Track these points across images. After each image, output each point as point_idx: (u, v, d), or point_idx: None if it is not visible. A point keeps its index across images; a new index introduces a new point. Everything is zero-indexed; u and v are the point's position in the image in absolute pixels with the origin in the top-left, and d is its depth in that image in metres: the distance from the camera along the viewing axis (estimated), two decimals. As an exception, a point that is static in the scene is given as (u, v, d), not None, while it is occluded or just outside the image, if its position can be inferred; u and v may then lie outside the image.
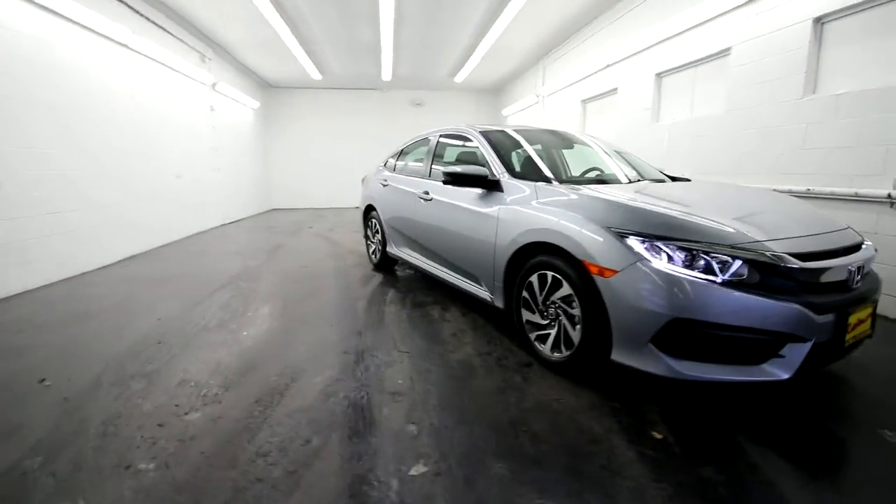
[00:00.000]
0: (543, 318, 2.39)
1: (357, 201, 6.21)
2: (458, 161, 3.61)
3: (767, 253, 1.82)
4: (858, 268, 1.98)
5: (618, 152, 3.48)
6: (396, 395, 2.15)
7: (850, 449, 1.78)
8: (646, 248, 1.89)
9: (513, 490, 1.50)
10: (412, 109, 12.60)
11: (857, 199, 3.24)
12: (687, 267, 1.82)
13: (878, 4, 3.18)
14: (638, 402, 2.06)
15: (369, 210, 4.86)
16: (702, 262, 1.82)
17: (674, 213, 2.02)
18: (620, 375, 2.27)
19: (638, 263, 1.87)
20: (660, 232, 1.92)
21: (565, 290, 2.19)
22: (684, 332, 1.80)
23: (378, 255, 4.66)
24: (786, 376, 1.79)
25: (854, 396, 2.19)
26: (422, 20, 6.99)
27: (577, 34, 7.54)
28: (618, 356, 1.97)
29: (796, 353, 1.80)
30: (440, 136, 3.81)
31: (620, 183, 2.87)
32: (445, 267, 3.38)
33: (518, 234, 2.46)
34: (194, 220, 7.53)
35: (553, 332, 2.32)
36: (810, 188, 3.57)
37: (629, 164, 3.32)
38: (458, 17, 6.88)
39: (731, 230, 1.92)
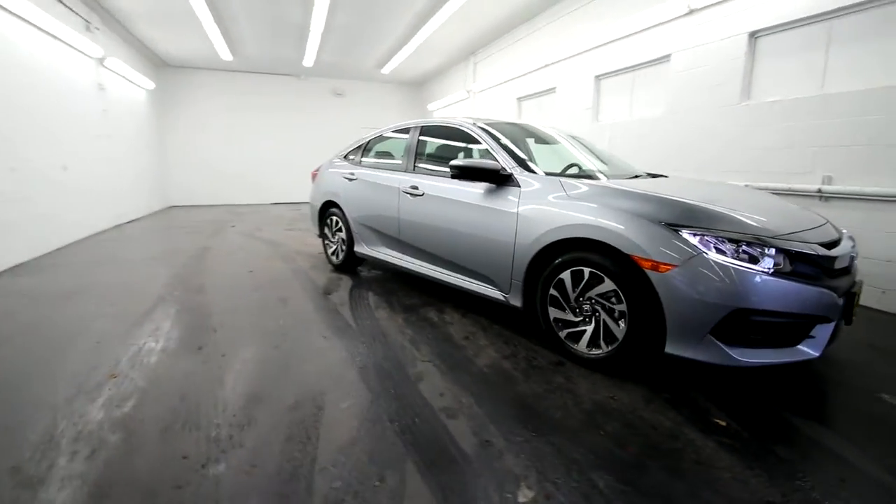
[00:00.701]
0: (576, 315, 2.35)
1: (295, 196, 5.66)
2: (439, 155, 3.46)
3: (804, 243, 1.98)
4: (852, 256, 2.26)
5: (588, 147, 3.56)
6: (447, 410, 1.94)
7: (864, 411, 2.01)
8: (700, 242, 1.94)
9: (640, 502, 1.42)
10: (333, 99, 11.90)
11: (792, 193, 3.74)
12: (738, 258, 1.90)
13: (804, 24, 3.69)
14: (683, 391, 2.12)
15: (327, 207, 4.43)
16: (751, 254, 1.91)
17: (717, 207, 2.11)
18: (654, 366, 2.32)
19: (697, 257, 1.91)
20: (709, 225, 1.99)
21: (606, 285, 2.17)
22: (739, 320, 1.88)
23: (341, 256, 4.27)
24: (816, 354, 1.97)
25: (844, 369, 2.50)
26: (360, 4, 6.57)
27: (511, 33, 7.70)
28: (673, 349, 1.99)
29: (823, 332, 1.99)
30: (422, 128, 3.58)
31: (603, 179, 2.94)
32: (442, 267, 3.19)
33: (546, 231, 2.38)
34: (86, 219, 6.25)
35: (589, 328, 2.29)
36: (749, 183, 4.05)
37: (602, 159, 3.40)
38: (399, 5, 6.60)
39: (768, 222, 2.06)
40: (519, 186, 2.63)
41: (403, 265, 3.52)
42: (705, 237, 1.95)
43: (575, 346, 2.36)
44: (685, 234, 1.97)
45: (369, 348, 2.58)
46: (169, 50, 8.91)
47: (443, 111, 11.17)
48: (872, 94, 3.24)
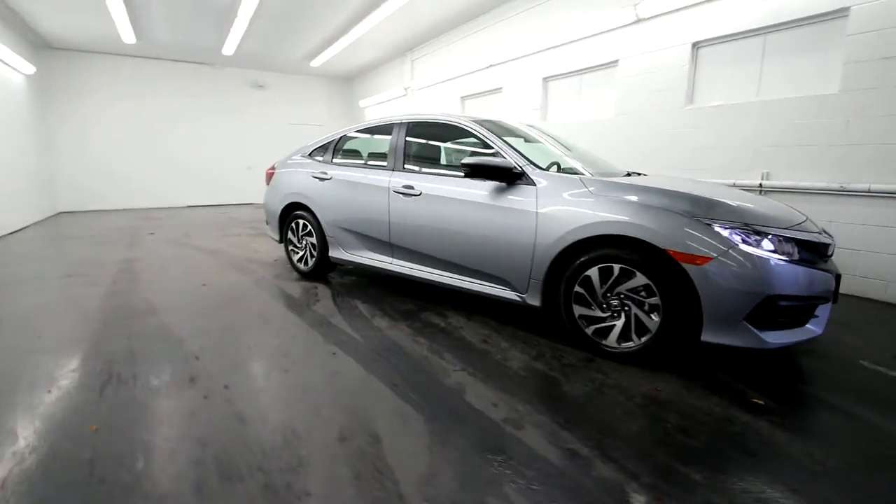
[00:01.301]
0: (603, 311, 2.38)
1: (216, 197, 5.08)
2: (433, 153, 3.32)
3: (808, 232, 2.20)
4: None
5: (567, 146, 3.63)
6: (510, 422, 1.83)
7: (856, 376, 2.29)
8: (731, 235, 2.06)
9: (748, 490, 1.45)
10: (253, 92, 10.96)
11: (737, 188, 4.19)
12: (764, 248, 2.06)
13: (742, 37, 4.14)
14: (711, 375, 2.24)
15: (290, 210, 4.03)
16: (773, 243, 2.08)
17: (738, 202, 2.26)
18: (677, 354, 2.43)
19: (731, 249, 2.03)
20: (736, 218, 2.12)
21: (638, 280, 2.22)
22: (769, 306, 2.04)
23: (311, 262, 3.91)
24: (820, 332, 2.20)
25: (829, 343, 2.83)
26: (299, -10, 6.10)
27: (453, 32, 7.69)
28: (710, 336, 2.10)
29: (824, 312, 2.23)
30: (409, 124, 3.38)
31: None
32: (443, 269, 3.05)
33: (573, 229, 2.37)
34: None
35: (618, 323, 2.34)
36: (696, 179, 4.46)
37: (585, 158, 3.50)
38: (342, -7, 6.24)
39: (778, 215, 2.25)
40: (534, 185, 2.60)
41: (393, 269, 3.32)
42: (734, 230, 2.08)
43: (604, 342, 2.39)
44: (717, 227, 2.08)
45: (389, 362, 2.38)
46: (54, 28, 7.51)
47: (376, 109, 10.84)
48: (803, 101, 3.74)
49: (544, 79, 6.17)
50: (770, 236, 2.09)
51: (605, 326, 2.39)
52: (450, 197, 2.92)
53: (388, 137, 3.46)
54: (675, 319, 2.16)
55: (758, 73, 4.07)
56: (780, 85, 3.92)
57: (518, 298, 2.70)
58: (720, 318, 2.07)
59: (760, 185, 4.02)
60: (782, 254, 2.08)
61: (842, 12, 3.46)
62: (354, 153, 3.80)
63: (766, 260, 2.02)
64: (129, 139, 9.72)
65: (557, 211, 2.46)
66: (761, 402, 2.01)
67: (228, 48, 8.59)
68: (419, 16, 7.12)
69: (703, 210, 2.16)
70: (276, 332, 2.77)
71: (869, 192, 3.42)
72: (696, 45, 4.45)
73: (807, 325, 2.19)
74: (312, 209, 3.78)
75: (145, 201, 10.04)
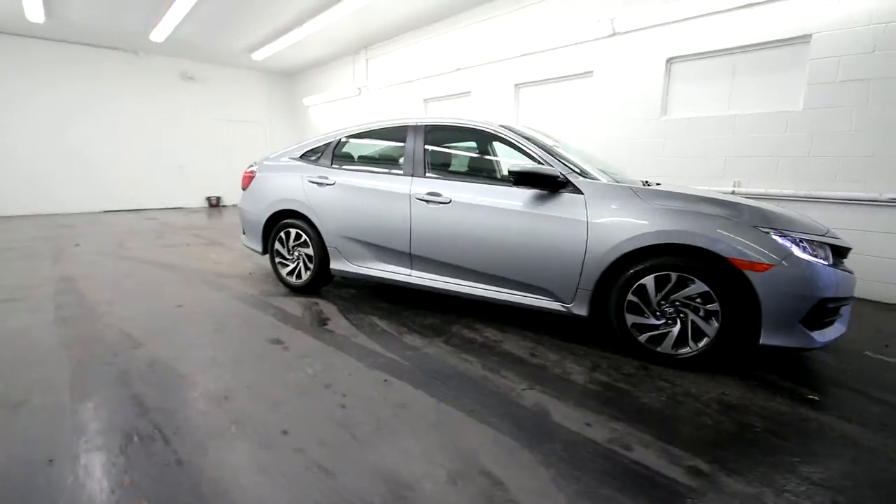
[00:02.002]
0: (657, 318, 2.41)
1: (141, 200, 4.51)
2: (458, 159, 3.17)
3: (837, 238, 2.39)
4: None
5: (581, 153, 3.67)
6: (615, 442, 1.77)
7: (867, 364, 2.53)
8: (786, 242, 2.18)
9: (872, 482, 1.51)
10: (182, 85, 9.87)
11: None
12: (813, 255, 2.20)
13: (713, 56, 4.49)
14: (758, 376, 2.36)
15: (279, 218, 3.63)
16: (818, 250, 2.23)
17: (783, 212, 2.40)
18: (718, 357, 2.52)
19: (789, 256, 2.14)
20: (787, 227, 2.24)
21: (696, 287, 2.27)
22: (820, 308, 2.18)
23: (306, 275, 3.55)
24: (845, 329, 2.41)
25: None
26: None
27: (416, 32, 7.53)
28: (768, 339, 2.19)
29: (846, 311, 2.45)
30: (427, 127, 3.19)
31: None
32: (474, 281, 2.90)
33: (629, 238, 2.37)
34: None
35: (674, 330, 2.38)
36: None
37: (606, 166, 3.57)
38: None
39: (811, 222, 2.43)
40: (581, 193, 2.57)
41: (412, 282, 3.11)
42: (787, 238, 2.20)
43: (658, 348, 2.42)
44: (774, 236, 2.19)
45: (449, 385, 2.19)
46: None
47: (324, 108, 10.31)
48: (771, 116, 4.13)
49: (516, 85, 6.24)
50: (814, 242, 2.24)
51: (660, 334, 2.42)
52: (486, 205, 2.79)
53: (400, 141, 3.24)
54: (734, 325, 2.24)
55: (728, 89, 4.44)
56: (750, 101, 4.31)
57: (562, 309, 2.65)
58: (779, 322, 2.17)
59: (733, 192, 4.39)
60: (824, 259, 2.24)
61: (805, 38, 3.88)
62: (360, 157, 3.52)
63: (817, 265, 2.16)
64: (36, 134, 8.26)
65: (611, 220, 2.45)
66: (816, 398, 2.14)
67: (159, 34, 7.63)
68: (378, 14, 6.86)
69: (758, 219, 2.26)
70: (302, 360, 2.45)
71: (830, 199, 3.87)
72: (669, 61, 4.75)
73: (835, 324, 2.39)
74: (310, 217, 3.43)
75: (54, 205, 8.60)
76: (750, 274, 2.16)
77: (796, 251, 2.16)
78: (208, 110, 10.23)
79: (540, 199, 2.65)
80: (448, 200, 2.89)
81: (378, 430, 1.82)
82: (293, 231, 3.57)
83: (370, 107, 8.92)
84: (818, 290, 2.14)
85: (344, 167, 3.46)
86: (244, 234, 4.05)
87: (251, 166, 3.99)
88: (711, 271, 2.24)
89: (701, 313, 2.31)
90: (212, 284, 3.90)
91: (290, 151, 3.82)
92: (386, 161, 3.35)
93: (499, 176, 3.11)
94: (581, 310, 2.59)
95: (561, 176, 2.60)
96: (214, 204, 10.37)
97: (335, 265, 3.42)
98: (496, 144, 3.28)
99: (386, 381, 2.23)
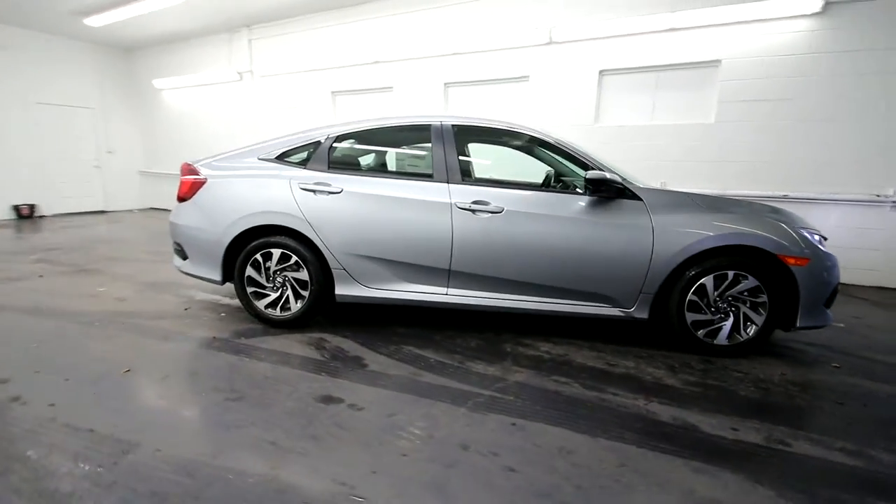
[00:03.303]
0: (713, 314, 2.60)
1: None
2: (497, 164, 2.91)
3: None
4: None
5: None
6: (778, 442, 1.84)
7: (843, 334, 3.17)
8: (814, 238, 2.55)
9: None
10: (-42, 50, 7.00)
11: (643, 194, 5.12)
12: (827, 247, 2.64)
13: (639, 72, 5.06)
14: (784, 353, 2.74)
15: (254, 236, 2.83)
16: (824, 243, 2.69)
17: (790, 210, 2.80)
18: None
19: (818, 250, 2.51)
20: (806, 225, 2.63)
21: (749, 283, 2.52)
22: (834, 292, 2.62)
23: (299, 306, 2.85)
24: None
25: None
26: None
27: (322, 15, 6.72)
28: (803, 322, 2.54)
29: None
30: (454, 127, 2.82)
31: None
32: (523, 294, 2.70)
33: (694, 242, 2.48)
34: None
35: (727, 323, 2.60)
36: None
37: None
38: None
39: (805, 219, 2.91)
40: (640, 199, 2.60)
41: (449, 301, 2.75)
42: (813, 234, 2.59)
43: (714, 342, 2.62)
44: (805, 233, 2.55)
45: (578, 415, 2.00)
46: None
47: (186, 93, 8.52)
48: (689, 127, 4.86)
49: (446, 84, 6.08)
50: (822, 237, 2.69)
51: (716, 328, 2.62)
52: (544, 214, 2.62)
53: (420, 142, 2.83)
54: (777, 313, 2.55)
55: (652, 101, 5.07)
56: (671, 113, 4.99)
57: (622, 314, 2.67)
58: (811, 307, 2.55)
59: (662, 191, 5.04)
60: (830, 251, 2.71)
61: (716, 63, 4.66)
62: (369, 160, 2.94)
63: (833, 256, 2.60)
64: None
65: (676, 225, 2.54)
66: (838, 366, 2.59)
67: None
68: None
69: (792, 219, 2.61)
70: (392, 419, 1.94)
71: (736, 197, 4.75)
72: (602, 72, 5.20)
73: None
74: (304, 233, 2.75)
75: None
76: (795, 268, 2.49)
77: (821, 245, 2.57)
78: (18, 90, 7.48)
79: (599, 206, 2.61)
80: (500, 209, 2.63)
81: (587, 490, 1.54)
82: (276, 252, 2.82)
83: (257, 96, 7.67)
84: (835, 278, 2.58)
85: (349, 172, 2.86)
86: (185, 258, 3.05)
87: (191, 168, 3.01)
88: (761, 267, 2.51)
89: (748, 305, 2.58)
90: (146, 332, 2.84)
91: (254, 150, 3.01)
92: (405, 165, 2.89)
93: (547, 182, 2.97)
94: (642, 313, 2.65)
95: (621, 182, 2.60)
96: (27, 214, 7.63)
97: (344, 290, 2.82)
98: (509, 146, 3.14)
99: (514, 424, 1.92)
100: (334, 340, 2.77)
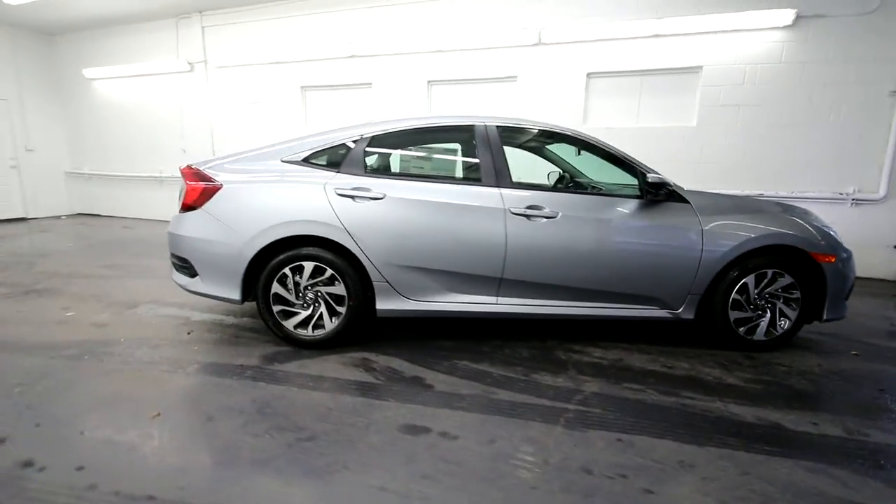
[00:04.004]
0: (752, 311, 2.71)
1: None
2: (542, 165, 2.84)
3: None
4: None
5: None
6: (859, 433, 1.93)
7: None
8: (836, 236, 2.74)
9: None
10: None
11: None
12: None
13: (624, 75, 5.21)
14: (804, 344, 2.93)
15: (282, 248, 2.52)
16: (839, 240, 2.90)
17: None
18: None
19: (842, 248, 2.70)
20: (828, 224, 2.82)
21: (785, 280, 2.66)
22: (852, 286, 2.83)
23: (336, 323, 2.59)
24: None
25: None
26: None
27: (291, 4, 6.23)
28: (828, 314, 2.71)
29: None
30: (499, 129, 2.70)
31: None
32: (572, 300, 2.65)
33: (741, 243, 2.57)
34: None
35: (765, 319, 2.72)
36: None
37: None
38: None
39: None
40: (688, 202, 2.65)
41: (498, 311, 2.64)
42: (834, 233, 2.77)
43: (753, 337, 2.73)
44: (830, 232, 2.73)
45: (674, 423, 1.98)
46: None
47: (124, 84, 7.58)
48: (672, 130, 5.09)
49: (430, 82, 5.91)
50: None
51: (755, 325, 2.73)
52: (598, 218, 2.58)
53: (463, 144, 2.68)
54: (806, 307, 2.72)
55: (637, 105, 5.25)
56: (655, 116, 5.20)
57: (669, 315, 2.70)
58: (835, 300, 2.73)
59: (649, 191, 5.25)
60: (841, 247, 2.93)
61: (697, 69, 4.91)
62: (409, 163, 2.72)
63: (851, 252, 2.81)
64: None
65: (722, 227, 2.61)
66: (857, 354, 2.81)
67: None
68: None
69: (817, 220, 2.78)
70: (491, 447, 1.78)
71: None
72: (589, 75, 5.30)
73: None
74: (343, 244, 2.49)
75: None
76: (825, 265, 2.65)
77: (842, 243, 2.77)
78: None
79: (650, 209, 2.63)
80: (554, 214, 2.56)
81: (720, 505, 1.50)
82: (307, 265, 2.53)
83: (213, 89, 6.99)
84: (853, 272, 2.79)
85: (388, 176, 2.63)
86: (193, 276, 2.65)
87: (199, 173, 2.62)
88: (796, 265, 2.66)
89: (782, 301, 2.72)
90: (151, 364, 2.43)
91: (274, 152, 2.69)
92: (448, 168, 2.71)
93: (596, 185, 2.93)
94: (689, 314, 2.70)
95: (670, 185, 2.63)
96: (-77, 224, 6.38)
97: (386, 304, 2.60)
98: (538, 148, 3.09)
99: (619, 440, 1.85)
100: (380, 360, 2.54)
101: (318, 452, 1.72)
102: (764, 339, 2.74)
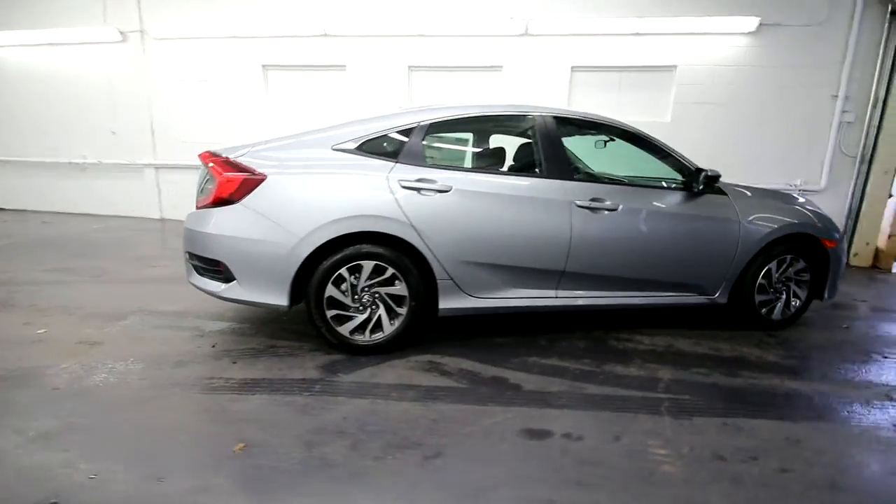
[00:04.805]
0: (771, 294, 2.98)
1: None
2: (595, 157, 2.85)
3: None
4: None
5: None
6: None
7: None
8: (835, 224, 3.09)
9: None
10: None
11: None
12: (836, 232, 3.22)
13: (606, 70, 5.40)
14: (800, 321, 3.28)
15: (337, 247, 2.27)
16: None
17: None
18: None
19: (840, 234, 3.05)
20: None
21: (800, 265, 2.95)
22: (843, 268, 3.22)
23: (397, 325, 2.40)
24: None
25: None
26: None
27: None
28: (828, 294, 3.07)
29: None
30: (555, 119, 2.64)
31: None
32: (623, 290, 2.72)
33: (769, 232, 2.79)
34: None
35: (781, 300, 3.00)
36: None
37: None
38: None
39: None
40: (726, 194, 2.82)
41: (556, 304, 2.63)
42: (831, 219, 3.12)
43: (773, 317, 3.01)
44: (831, 219, 3.07)
45: (754, 405, 2.11)
46: None
47: (33, 53, 6.33)
48: (646, 125, 5.30)
49: (410, 67, 5.66)
50: (829, 224, 3.28)
51: (773, 306, 3.01)
52: (654, 210, 2.66)
53: (518, 135, 2.61)
54: (813, 289, 3.05)
55: (617, 99, 5.48)
56: (633, 111, 5.44)
57: (706, 301, 2.88)
58: (834, 281, 3.09)
59: (628, 182, 5.54)
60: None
61: (672, 67, 5.23)
62: (468, 153, 2.55)
63: (843, 238, 3.19)
64: None
65: (755, 217, 2.82)
66: (846, 327, 3.22)
67: None
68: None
69: (817, 207, 3.10)
70: (621, 445, 1.77)
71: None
72: (574, 68, 5.43)
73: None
74: (409, 240, 2.31)
75: None
76: (830, 251, 2.98)
77: (839, 230, 3.13)
78: None
79: (695, 200, 2.76)
80: (616, 206, 2.58)
81: (866, 471, 1.63)
82: (367, 264, 2.31)
83: (152, 63, 6.09)
84: (846, 256, 3.18)
85: (452, 167, 2.47)
86: (228, 281, 2.29)
87: (234, 163, 2.26)
88: (808, 250, 2.96)
89: (795, 283, 3.02)
90: (189, 386, 2.07)
91: (322, 139, 2.39)
92: (512, 159, 2.62)
93: (651, 177, 2.97)
94: (723, 298, 2.90)
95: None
96: None
97: (449, 303, 2.46)
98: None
99: (725, 424, 1.93)
100: (447, 362, 2.41)
101: (457, 471, 1.58)
102: (780, 318, 3.03)
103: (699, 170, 2.75)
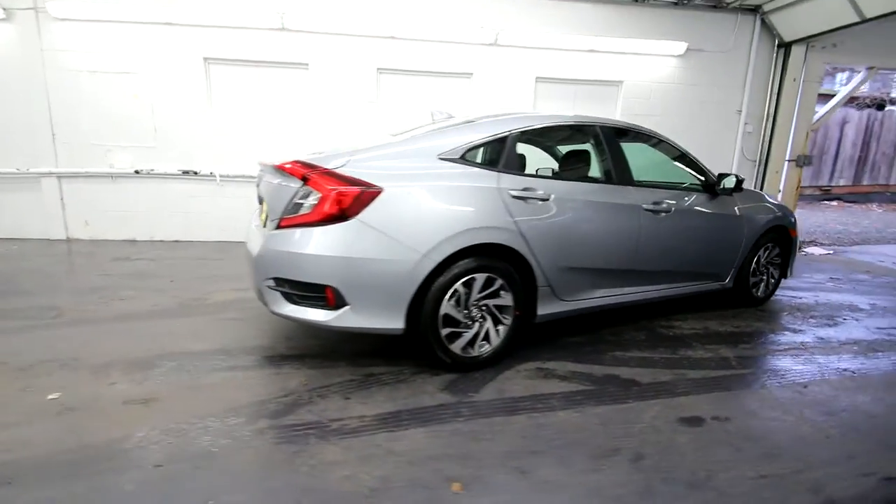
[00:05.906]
0: (759, 276, 3.59)
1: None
2: (643, 164, 3.13)
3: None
4: None
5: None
6: (878, 350, 2.85)
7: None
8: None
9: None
10: None
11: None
12: (786, 223, 3.98)
13: (561, 83, 5.84)
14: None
15: (453, 260, 2.16)
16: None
17: None
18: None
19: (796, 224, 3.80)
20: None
21: (776, 251, 3.61)
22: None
23: (503, 335, 2.37)
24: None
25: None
26: None
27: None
28: (790, 274, 3.81)
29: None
30: (609, 129, 2.86)
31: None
32: (660, 283, 3.05)
33: (764, 224, 3.40)
34: None
35: (764, 281, 3.64)
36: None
37: None
38: None
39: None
40: (731, 194, 3.31)
41: (621, 300, 2.87)
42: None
43: (760, 294, 3.63)
44: (790, 216, 3.80)
45: (814, 374, 2.56)
46: None
47: None
48: (603, 132, 5.98)
49: (379, 69, 5.45)
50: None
51: (758, 286, 3.63)
52: (695, 210, 3.04)
53: (581, 143, 2.77)
54: (782, 272, 3.75)
55: (572, 109, 5.93)
56: (588, 119, 6.00)
57: (719, 286, 3.38)
58: (793, 263, 3.84)
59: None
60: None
61: (619, 83, 5.88)
62: (549, 161, 2.58)
63: (795, 228, 3.97)
64: None
65: (752, 213, 3.38)
66: (801, 299, 4.01)
67: None
68: None
69: (781, 202, 3.81)
70: (763, 421, 2.03)
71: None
72: (538, 79, 5.77)
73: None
74: (519, 249, 2.30)
75: None
76: (794, 238, 3.71)
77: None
78: None
79: (710, 200, 3.20)
80: (669, 209, 2.88)
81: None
82: (479, 277, 2.24)
83: (50, 48, 4.89)
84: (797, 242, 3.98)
85: (544, 175, 2.52)
86: (338, 307, 2.02)
87: (342, 176, 2.01)
88: (780, 239, 3.63)
89: (772, 267, 3.69)
90: (321, 436, 1.81)
91: (425, 148, 2.25)
92: (593, 168, 2.74)
93: (681, 180, 3.28)
94: (731, 283, 3.43)
95: (727, 181, 3.26)
96: None
97: (546, 308, 2.51)
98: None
99: (835, 389, 2.31)
100: (554, 366, 2.46)
101: (669, 466, 1.67)
102: (763, 295, 3.68)
103: (721, 175, 3.21)
